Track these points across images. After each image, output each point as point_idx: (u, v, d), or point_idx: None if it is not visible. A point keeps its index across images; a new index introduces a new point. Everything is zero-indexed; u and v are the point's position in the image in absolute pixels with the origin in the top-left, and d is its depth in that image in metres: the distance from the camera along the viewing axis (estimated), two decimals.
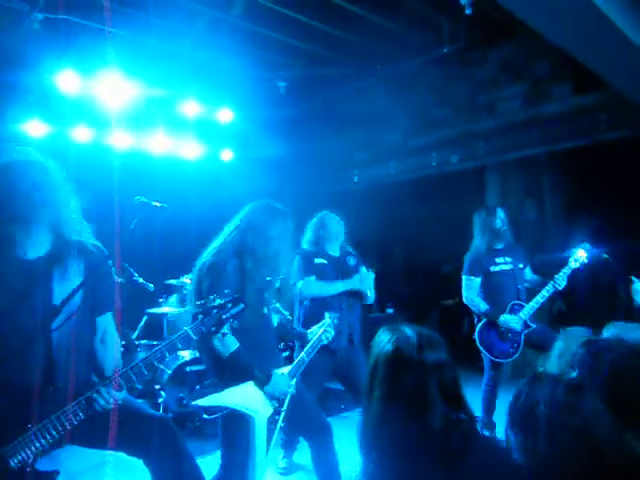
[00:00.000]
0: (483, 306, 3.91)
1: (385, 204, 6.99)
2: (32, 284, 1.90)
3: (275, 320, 2.93)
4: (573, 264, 3.89)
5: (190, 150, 6.41)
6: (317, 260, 3.72)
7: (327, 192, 7.58)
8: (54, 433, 1.81)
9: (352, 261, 3.86)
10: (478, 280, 3.97)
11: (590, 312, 4.83)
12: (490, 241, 3.99)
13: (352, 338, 3.60)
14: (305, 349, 2.83)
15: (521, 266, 4.06)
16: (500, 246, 4.02)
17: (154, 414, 2.23)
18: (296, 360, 2.80)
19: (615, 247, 4.82)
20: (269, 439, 2.57)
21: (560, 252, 4.12)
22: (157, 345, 2.08)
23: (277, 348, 2.94)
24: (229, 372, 2.57)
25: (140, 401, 4.51)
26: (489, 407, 4.06)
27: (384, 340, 1.38)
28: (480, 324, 3.97)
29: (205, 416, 4.33)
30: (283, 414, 2.65)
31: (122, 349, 4.07)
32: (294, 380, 2.72)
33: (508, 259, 4.00)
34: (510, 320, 3.84)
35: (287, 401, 2.66)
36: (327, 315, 3.06)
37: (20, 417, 1.79)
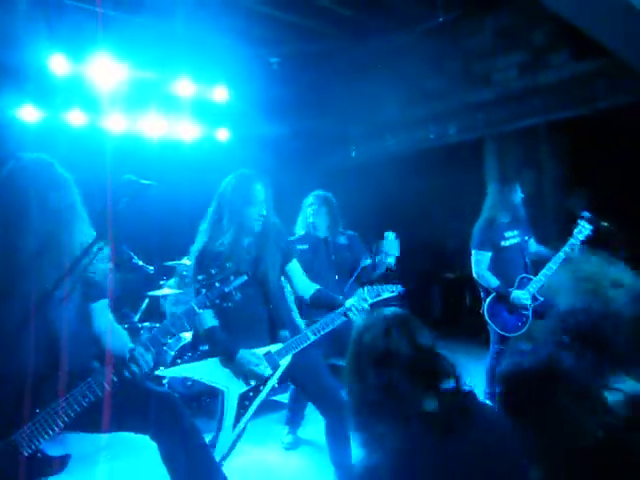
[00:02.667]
0: (494, 282, 3.87)
1: (383, 179, 6.94)
2: (30, 273, 1.91)
3: (309, 291, 2.90)
4: (580, 235, 3.84)
5: (186, 131, 6.35)
6: (299, 246, 3.70)
7: (325, 169, 7.54)
8: (64, 417, 1.83)
9: (343, 240, 3.86)
10: (489, 255, 3.92)
11: None
12: (502, 215, 3.95)
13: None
14: (313, 327, 2.76)
15: (527, 238, 4.03)
16: (508, 219, 3.97)
17: (157, 390, 2.25)
18: (295, 337, 2.75)
19: (614, 217, 4.80)
20: (240, 415, 2.59)
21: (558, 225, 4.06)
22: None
23: (265, 327, 2.82)
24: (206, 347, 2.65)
25: None
26: (493, 378, 4.08)
27: (370, 320, 1.39)
28: (489, 299, 3.93)
29: (176, 395, 4.38)
30: (264, 392, 2.66)
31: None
32: (288, 357, 2.71)
33: (516, 232, 3.97)
34: (521, 296, 3.81)
35: (273, 379, 2.66)
36: (364, 291, 2.86)
37: (27, 404, 1.80)
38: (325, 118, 7.31)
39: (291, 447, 3.82)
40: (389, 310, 1.43)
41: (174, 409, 2.16)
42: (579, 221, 3.92)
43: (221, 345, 2.62)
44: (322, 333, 2.75)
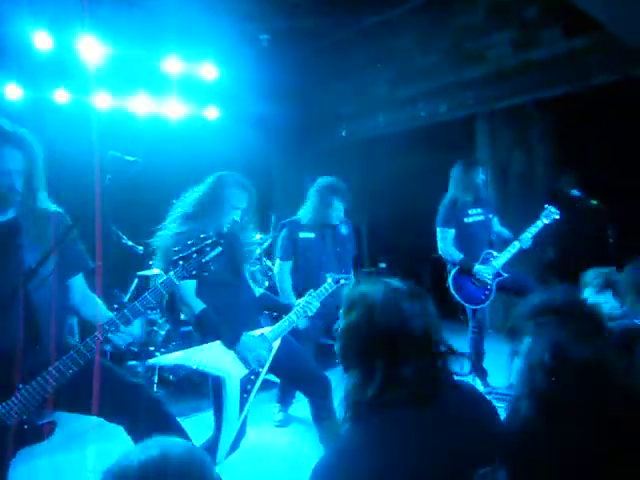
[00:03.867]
0: (458, 256, 4.05)
1: (373, 158, 6.91)
2: (2, 250, 1.91)
3: (258, 291, 2.91)
4: (540, 223, 4.07)
5: (174, 109, 6.26)
6: (302, 234, 3.70)
7: (315, 148, 7.49)
8: (48, 388, 1.85)
9: (344, 230, 3.85)
10: (452, 232, 4.10)
11: (579, 258, 4.88)
12: (465, 194, 4.12)
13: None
14: (294, 310, 2.80)
15: (491, 216, 4.23)
16: (472, 197, 4.14)
17: (132, 381, 2.26)
18: (282, 320, 2.77)
19: (604, 195, 4.82)
20: (244, 399, 2.57)
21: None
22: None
23: (256, 311, 2.90)
24: (198, 334, 2.61)
25: (134, 363, 4.58)
26: (478, 353, 4.18)
27: (359, 289, 1.36)
28: (453, 272, 4.09)
29: (171, 377, 4.40)
30: (262, 374, 2.66)
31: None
32: (278, 340, 2.73)
33: (480, 210, 4.15)
34: (484, 270, 4.00)
35: (268, 362, 2.66)
36: (328, 276, 2.98)
37: (9, 377, 1.82)
38: (315, 96, 7.24)
39: (282, 425, 3.85)
40: (394, 282, 1.36)
41: (145, 399, 2.18)
42: (546, 206, 4.14)
43: (221, 329, 2.55)
44: (306, 315, 2.80)
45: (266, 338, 2.67)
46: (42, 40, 4.95)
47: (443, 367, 1.31)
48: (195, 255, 2.06)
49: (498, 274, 4.01)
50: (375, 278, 1.38)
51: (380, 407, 1.23)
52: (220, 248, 2.10)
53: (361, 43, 6.51)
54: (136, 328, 4.56)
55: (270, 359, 2.67)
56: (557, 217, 4.08)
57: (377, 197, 7.12)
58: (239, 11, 5.57)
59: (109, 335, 1.97)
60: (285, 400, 3.94)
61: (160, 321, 4.78)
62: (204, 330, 2.60)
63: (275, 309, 3.03)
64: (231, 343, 2.55)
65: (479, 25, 5.71)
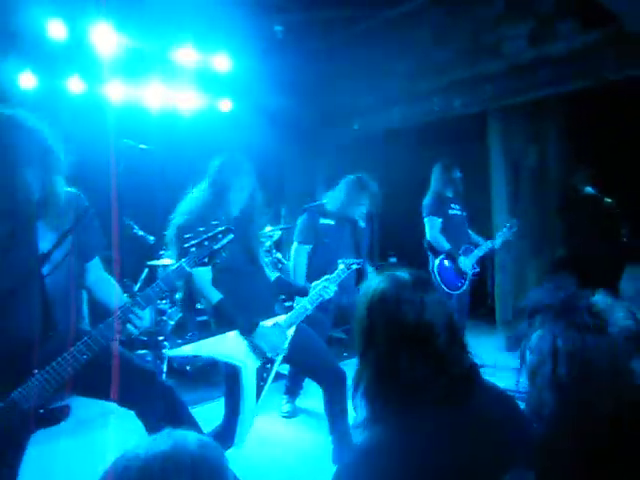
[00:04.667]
0: (446, 245, 4.44)
1: (387, 152, 6.87)
2: (17, 233, 1.91)
3: (273, 275, 2.91)
4: (506, 230, 4.60)
5: (188, 100, 6.25)
6: (323, 220, 3.71)
7: (328, 141, 7.46)
8: (63, 374, 1.86)
9: (362, 222, 3.86)
10: (440, 221, 4.48)
11: (592, 256, 4.85)
12: (446, 190, 4.57)
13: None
14: (308, 298, 2.81)
15: (465, 214, 4.70)
16: (451, 194, 4.61)
17: (145, 367, 2.28)
18: (296, 308, 2.78)
19: (620, 193, 4.77)
20: (260, 387, 2.59)
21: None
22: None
23: (272, 297, 2.91)
24: (213, 323, 2.62)
25: (143, 352, 4.61)
26: None
27: (375, 282, 1.34)
28: (439, 258, 4.47)
29: (188, 368, 4.44)
30: (277, 363, 2.67)
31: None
32: (292, 328, 2.74)
33: (458, 206, 4.63)
34: (467, 263, 4.46)
35: (283, 350, 2.68)
36: (340, 262, 2.99)
37: (26, 362, 1.83)
38: (329, 89, 7.20)
39: (289, 416, 3.87)
40: (408, 273, 1.33)
41: (162, 389, 2.21)
42: (506, 223, 4.69)
43: (237, 320, 2.56)
44: (317, 302, 2.80)
45: (281, 326, 2.68)
46: (56, 29, 4.96)
47: (473, 366, 1.29)
48: (207, 242, 2.06)
49: (473, 267, 4.51)
50: (388, 270, 1.37)
51: (406, 407, 1.21)
52: (232, 235, 2.09)
53: (376, 36, 6.45)
54: (146, 317, 4.60)
55: (286, 347, 2.68)
56: (509, 238, 4.63)
57: (389, 191, 7.09)
58: (253, 2, 5.54)
59: (122, 320, 1.97)
60: (293, 391, 3.96)
61: (170, 310, 4.81)
62: (221, 320, 2.61)
63: (290, 292, 3.05)
64: (247, 333, 2.56)
65: (495, 18, 5.64)
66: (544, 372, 1.20)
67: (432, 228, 4.47)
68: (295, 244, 3.74)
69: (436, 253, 4.49)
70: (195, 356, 2.71)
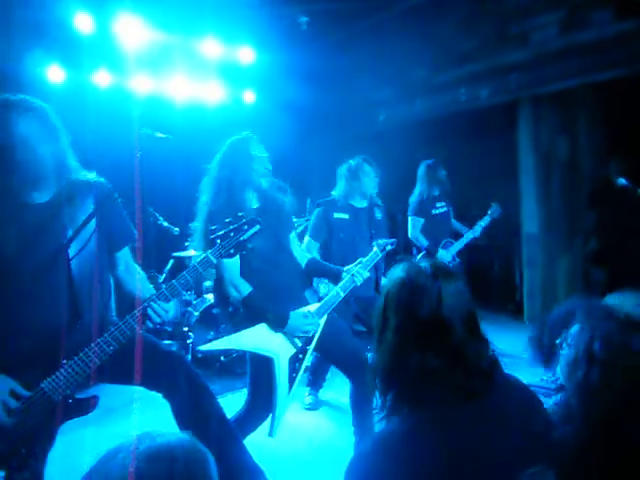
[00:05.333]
0: (425, 242, 4.71)
1: (411, 144, 6.78)
2: (42, 227, 1.91)
3: (305, 258, 2.89)
4: (487, 218, 4.80)
5: (212, 92, 6.28)
6: (337, 215, 3.68)
7: (352, 133, 7.40)
8: (90, 364, 1.87)
9: (379, 214, 3.82)
10: (422, 220, 4.75)
11: (624, 249, 4.75)
12: (432, 189, 4.79)
13: (378, 285, 3.60)
14: (340, 284, 2.78)
15: (451, 209, 4.95)
16: (437, 192, 4.83)
17: (170, 350, 2.30)
18: (328, 296, 2.75)
19: None
20: (293, 378, 2.59)
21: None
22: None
23: (303, 286, 2.88)
24: (244, 316, 2.61)
25: (168, 342, 4.66)
26: None
27: (396, 271, 1.32)
28: (420, 255, 4.67)
29: (223, 358, 4.48)
30: (310, 352, 2.66)
31: None
32: (325, 317, 2.71)
33: (444, 203, 4.87)
34: (444, 255, 4.70)
35: (316, 339, 2.66)
36: (374, 244, 2.96)
37: (54, 352, 1.85)
38: (352, 80, 7.14)
39: (311, 408, 3.88)
40: (433, 263, 1.30)
41: (183, 366, 2.21)
42: (492, 204, 4.85)
43: (268, 313, 2.55)
44: (350, 289, 2.77)
45: (314, 315, 2.66)
46: (83, 22, 5.01)
47: (493, 360, 1.26)
48: (232, 234, 2.05)
49: (453, 259, 4.76)
50: (410, 261, 1.34)
51: (420, 399, 1.19)
52: (258, 226, 2.09)
53: (400, 26, 6.36)
54: (171, 308, 4.65)
55: (317, 337, 2.67)
56: (498, 214, 4.82)
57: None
58: None
59: (148, 311, 1.98)
60: (316, 383, 3.96)
61: (195, 302, 4.84)
62: (251, 313, 2.59)
63: (324, 275, 3.01)
64: (279, 326, 2.56)
65: (525, 6, 5.50)
66: (577, 377, 1.16)
67: (414, 228, 4.75)
68: (307, 238, 3.73)
69: (418, 250, 4.82)
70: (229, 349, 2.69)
